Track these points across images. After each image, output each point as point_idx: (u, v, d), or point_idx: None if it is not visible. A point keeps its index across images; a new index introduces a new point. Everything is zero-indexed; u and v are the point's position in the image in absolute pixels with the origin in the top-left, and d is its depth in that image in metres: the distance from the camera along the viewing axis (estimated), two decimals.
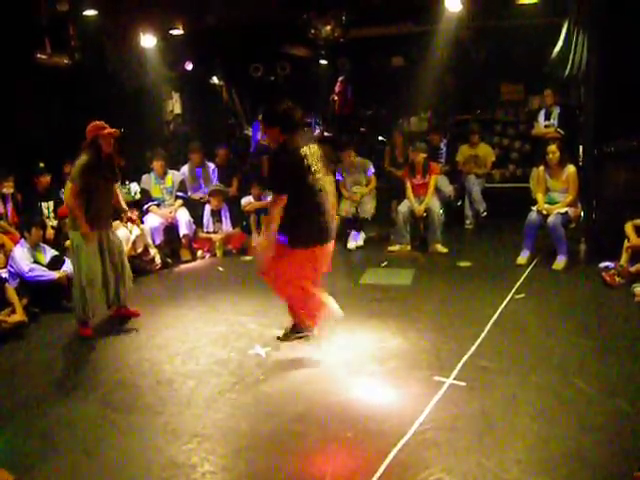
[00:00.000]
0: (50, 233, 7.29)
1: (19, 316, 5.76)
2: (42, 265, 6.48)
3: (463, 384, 4.10)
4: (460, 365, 4.39)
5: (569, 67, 8.18)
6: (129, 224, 7.63)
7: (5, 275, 6.26)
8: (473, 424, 3.60)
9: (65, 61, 9.17)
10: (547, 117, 8.76)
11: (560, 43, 8.49)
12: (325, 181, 4.58)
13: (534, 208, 7.03)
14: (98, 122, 5.58)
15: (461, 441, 3.43)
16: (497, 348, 4.70)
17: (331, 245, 4.69)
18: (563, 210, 6.79)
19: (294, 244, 4.48)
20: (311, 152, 4.50)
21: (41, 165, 8.33)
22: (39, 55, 8.87)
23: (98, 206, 5.57)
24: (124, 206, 6.23)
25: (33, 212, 7.55)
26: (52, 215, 7.87)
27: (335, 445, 3.55)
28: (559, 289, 6.18)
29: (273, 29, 10.39)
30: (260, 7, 9.45)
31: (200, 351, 5.03)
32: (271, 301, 5.74)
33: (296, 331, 4.93)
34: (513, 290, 6.02)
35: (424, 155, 8.05)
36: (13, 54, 8.47)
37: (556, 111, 8.68)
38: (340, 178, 8.58)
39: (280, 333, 5.03)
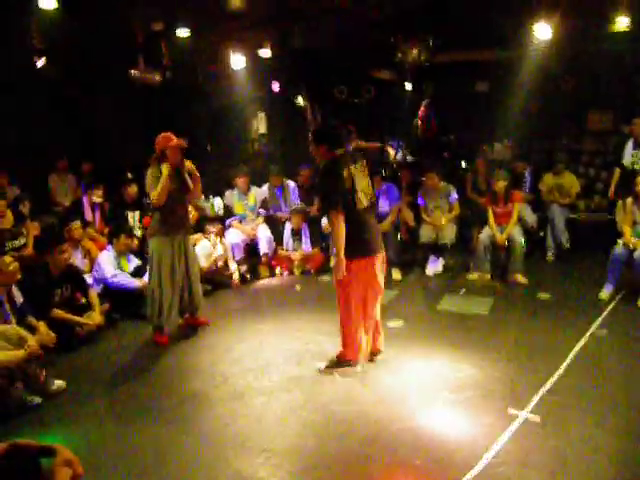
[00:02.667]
0: (135, 243, 7.49)
1: (97, 318, 6.00)
2: (126, 273, 6.74)
3: (537, 419, 4.01)
4: (535, 399, 4.28)
5: None
6: (212, 236, 7.83)
7: (90, 280, 6.56)
8: (546, 462, 3.51)
9: (157, 78, 9.54)
10: (636, 147, 8.33)
11: None
12: (368, 199, 4.80)
13: (620, 241, 6.82)
14: (166, 134, 5.70)
15: (532, 478, 3.35)
16: (575, 385, 4.56)
17: (379, 259, 4.89)
18: None
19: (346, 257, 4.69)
20: (356, 169, 4.73)
21: (129, 176, 8.67)
22: (133, 71, 9.28)
23: (171, 214, 5.73)
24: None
25: (120, 221, 7.84)
26: (137, 225, 8.10)
27: (403, 471, 3.53)
28: None
29: (359, 52, 10.51)
30: (347, 30, 9.58)
31: (274, 367, 5.10)
32: None
33: (339, 364, 5.01)
34: (594, 326, 5.84)
35: (505, 183, 7.91)
36: (110, 70, 8.91)
37: None
38: (422, 203, 8.52)
39: (322, 365, 5.06)
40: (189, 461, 3.71)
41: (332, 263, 4.97)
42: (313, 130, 5.06)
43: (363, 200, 4.72)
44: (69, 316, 5.73)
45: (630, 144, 8.42)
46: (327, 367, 5.00)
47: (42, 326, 5.09)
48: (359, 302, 4.82)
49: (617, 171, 8.54)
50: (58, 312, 5.63)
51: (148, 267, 5.94)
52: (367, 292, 4.84)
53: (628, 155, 8.39)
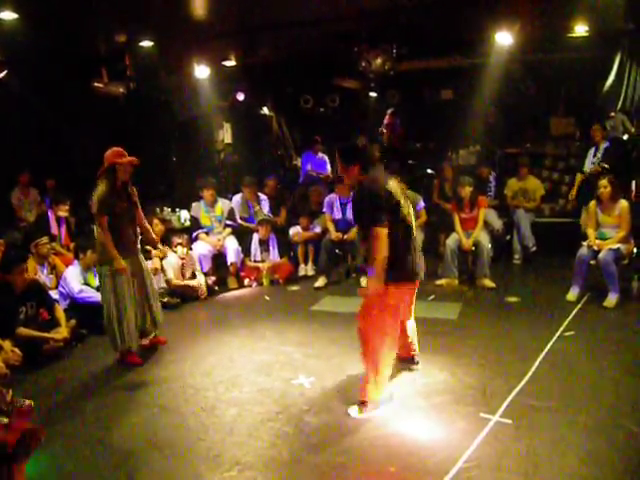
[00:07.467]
0: None
1: (64, 332, 5.89)
2: (92, 288, 6.64)
3: (509, 422, 4.03)
4: (507, 402, 4.31)
5: (622, 100, 8.08)
6: (179, 249, 7.75)
7: (56, 296, 6.45)
8: (519, 464, 3.52)
9: (121, 90, 9.45)
10: (596, 153, 8.51)
11: (612, 76, 8.42)
12: (412, 217, 4.41)
13: (585, 243, 6.91)
14: (117, 148, 5.41)
15: None
16: (545, 386, 4.61)
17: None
18: (615, 246, 6.64)
19: (388, 281, 4.15)
20: (396, 187, 4.28)
21: None
22: (96, 84, 9.18)
23: (121, 232, 5.45)
24: (153, 236, 6.09)
25: (87, 236, 7.72)
26: None
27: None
28: (610, 327, 6.03)
29: (324, 61, 10.56)
30: (311, 40, 9.62)
31: (244, 379, 5.06)
32: (316, 332, 5.80)
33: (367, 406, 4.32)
34: (562, 327, 5.91)
35: (470, 189, 7.98)
36: (73, 83, 8.80)
37: (603, 146, 8.42)
38: None
39: (353, 410, 4.30)
40: (161, 477, 3.65)
41: (364, 283, 4.41)
42: (341, 148, 4.49)
43: (408, 219, 4.31)
44: (35, 333, 5.61)
45: (592, 151, 8.57)
46: (359, 412, 4.28)
47: (7, 345, 4.98)
48: (395, 332, 4.37)
49: (579, 176, 8.65)
50: (23, 330, 5.51)
51: (102, 296, 5.64)
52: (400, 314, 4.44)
53: (589, 161, 8.53)
